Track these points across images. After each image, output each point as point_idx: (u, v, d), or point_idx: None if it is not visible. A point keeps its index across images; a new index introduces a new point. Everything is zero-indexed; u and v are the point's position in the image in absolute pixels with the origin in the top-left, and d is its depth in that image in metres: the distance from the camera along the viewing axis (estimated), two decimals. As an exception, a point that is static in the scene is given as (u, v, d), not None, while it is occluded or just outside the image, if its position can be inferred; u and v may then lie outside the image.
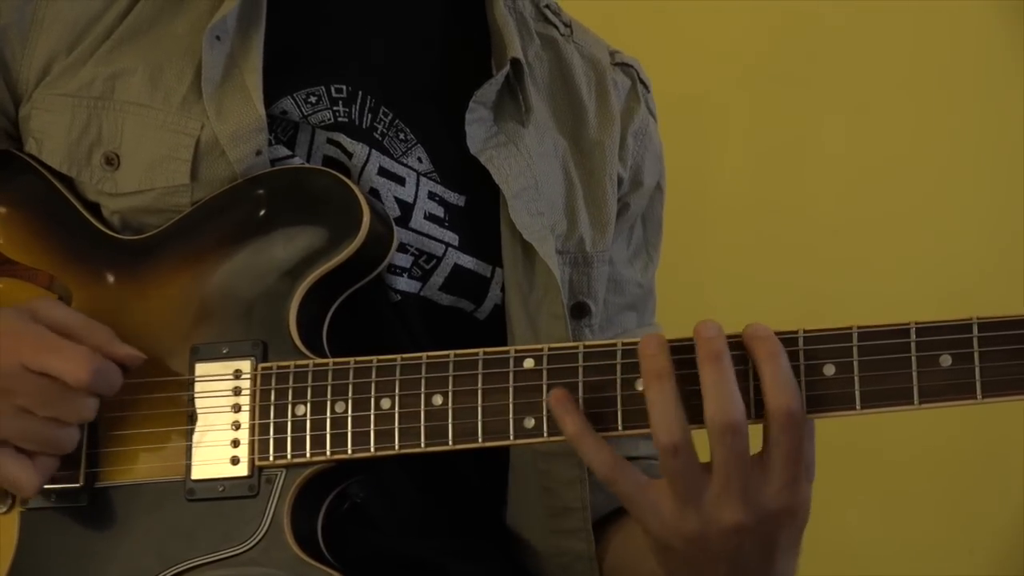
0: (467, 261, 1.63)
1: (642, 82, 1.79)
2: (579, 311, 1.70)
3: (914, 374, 1.35)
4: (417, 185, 1.62)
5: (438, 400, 1.45)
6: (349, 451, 1.46)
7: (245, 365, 1.50)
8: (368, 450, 1.46)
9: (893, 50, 2.67)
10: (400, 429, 1.45)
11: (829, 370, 1.36)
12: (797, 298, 2.64)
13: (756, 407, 1.36)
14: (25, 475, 1.45)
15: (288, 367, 1.49)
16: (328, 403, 1.47)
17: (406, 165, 1.62)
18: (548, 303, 1.63)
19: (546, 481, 1.61)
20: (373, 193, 1.60)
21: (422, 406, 1.45)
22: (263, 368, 1.49)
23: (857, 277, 2.65)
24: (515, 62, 1.66)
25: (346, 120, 1.61)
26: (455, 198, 1.64)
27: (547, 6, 1.78)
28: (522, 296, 1.63)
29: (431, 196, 1.63)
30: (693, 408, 1.35)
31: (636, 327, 1.78)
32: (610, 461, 1.37)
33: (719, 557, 1.37)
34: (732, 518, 1.34)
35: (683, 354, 1.38)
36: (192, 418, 1.50)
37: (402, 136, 1.63)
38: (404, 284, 1.61)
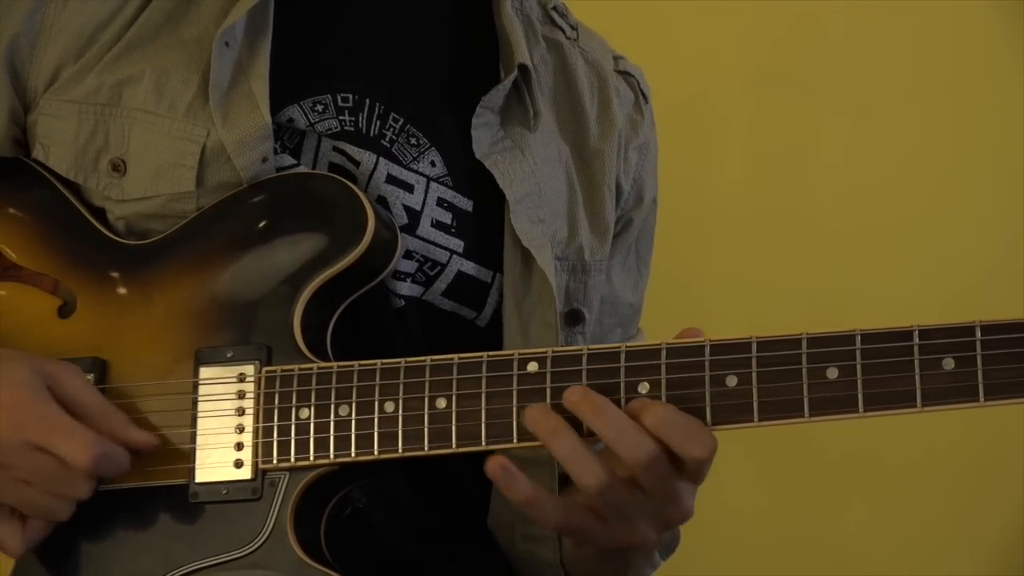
0: (469, 267, 1.64)
1: (643, 93, 1.80)
2: (573, 318, 1.71)
3: (917, 377, 1.36)
4: (426, 192, 1.62)
5: (442, 403, 1.45)
6: (352, 454, 1.46)
7: (249, 369, 1.50)
8: (371, 453, 1.46)
9: (893, 53, 2.68)
10: (404, 432, 1.45)
11: (832, 373, 1.37)
12: (799, 302, 2.64)
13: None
14: (13, 539, 1.46)
15: (292, 371, 1.49)
16: (332, 406, 1.47)
17: (416, 171, 1.63)
18: (541, 311, 1.63)
19: None
20: (381, 201, 1.60)
21: (426, 409, 1.45)
22: (267, 372, 1.50)
23: (859, 281, 2.65)
24: (523, 67, 1.67)
25: (352, 129, 1.61)
26: (464, 203, 1.64)
27: (554, 8, 1.78)
28: (517, 301, 1.63)
29: (440, 202, 1.63)
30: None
31: (619, 341, 1.78)
32: (561, 510, 1.42)
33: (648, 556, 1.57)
34: (679, 514, 1.44)
35: (679, 357, 1.40)
36: (196, 421, 1.50)
37: (413, 141, 1.63)
38: (407, 289, 1.61)
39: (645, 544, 1.46)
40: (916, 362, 1.36)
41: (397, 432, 1.45)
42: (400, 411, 1.46)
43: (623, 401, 1.41)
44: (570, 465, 1.40)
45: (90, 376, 1.51)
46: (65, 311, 1.57)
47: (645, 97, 1.81)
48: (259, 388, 1.50)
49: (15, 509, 1.46)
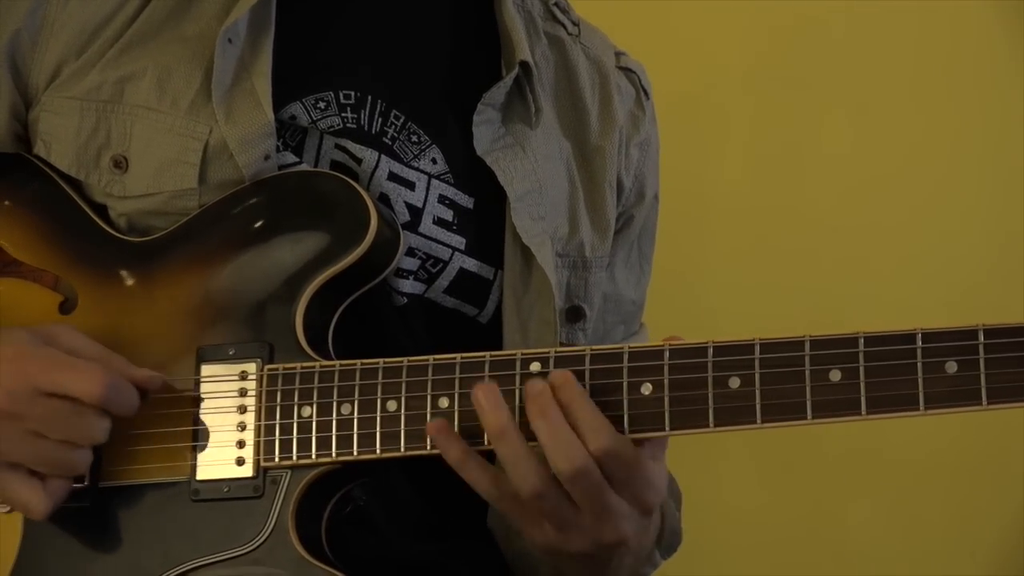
0: (471, 264, 1.64)
1: (644, 89, 1.80)
2: (574, 315, 1.71)
3: (919, 380, 1.36)
4: (427, 189, 1.62)
5: (444, 403, 1.45)
6: (354, 453, 1.47)
7: (251, 367, 1.50)
8: (374, 452, 1.46)
9: (893, 52, 2.68)
10: (406, 431, 1.46)
11: (835, 376, 1.37)
12: (798, 300, 2.64)
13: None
14: (35, 499, 1.45)
15: (294, 369, 1.49)
16: (334, 404, 1.48)
17: (417, 169, 1.63)
18: (540, 308, 1.63)
19: None
20: (383, 198, 1.60)
21: (428, 408, 1.45)
22: (269, 369, 1.50)
23: (859, 279, 2.65)
24: (524, 64, 1.66)
25: (354, 126, 1.61)
26: (465, 200, 1.64)
27: (556, 4, 1.78)
28: (516, 298, 1.64)
29: (441, 199, 1.63)
30: (684, 414, 1.40)
31: (622, 338, 1.79)
32: (492, 483, 1.42)
33: (606, 564, 1.48)
34: (613, 535, 1.43)
35: (682, 359, 1.40)
36: (198, 419, 1.50)
37: (415, 139, 1.63)
38: (409, 287, 1.62)
39: (583, 554, 1.44)
40: (919, 365, 1.36)
41: (399, 431, 1.46)
42: (402, 410, 1.46)
43: (625, 402, 1.41)
44: (509, 467, 1.40)
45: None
46: (66, 307, 1.57)
47: (646, 93, 1.81)
48: (261, 386, 1.50)
49: (34, 471, 1.45)
